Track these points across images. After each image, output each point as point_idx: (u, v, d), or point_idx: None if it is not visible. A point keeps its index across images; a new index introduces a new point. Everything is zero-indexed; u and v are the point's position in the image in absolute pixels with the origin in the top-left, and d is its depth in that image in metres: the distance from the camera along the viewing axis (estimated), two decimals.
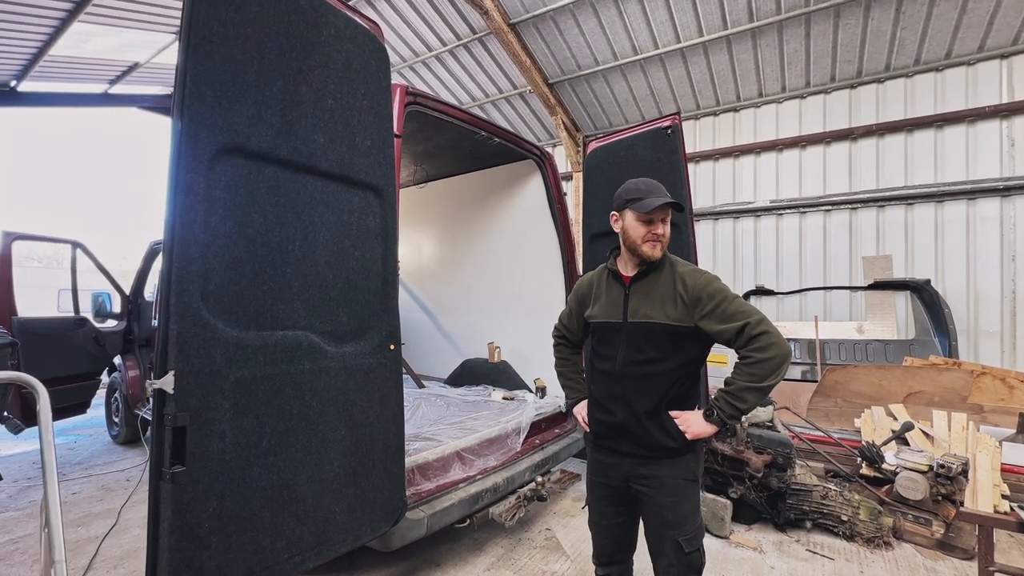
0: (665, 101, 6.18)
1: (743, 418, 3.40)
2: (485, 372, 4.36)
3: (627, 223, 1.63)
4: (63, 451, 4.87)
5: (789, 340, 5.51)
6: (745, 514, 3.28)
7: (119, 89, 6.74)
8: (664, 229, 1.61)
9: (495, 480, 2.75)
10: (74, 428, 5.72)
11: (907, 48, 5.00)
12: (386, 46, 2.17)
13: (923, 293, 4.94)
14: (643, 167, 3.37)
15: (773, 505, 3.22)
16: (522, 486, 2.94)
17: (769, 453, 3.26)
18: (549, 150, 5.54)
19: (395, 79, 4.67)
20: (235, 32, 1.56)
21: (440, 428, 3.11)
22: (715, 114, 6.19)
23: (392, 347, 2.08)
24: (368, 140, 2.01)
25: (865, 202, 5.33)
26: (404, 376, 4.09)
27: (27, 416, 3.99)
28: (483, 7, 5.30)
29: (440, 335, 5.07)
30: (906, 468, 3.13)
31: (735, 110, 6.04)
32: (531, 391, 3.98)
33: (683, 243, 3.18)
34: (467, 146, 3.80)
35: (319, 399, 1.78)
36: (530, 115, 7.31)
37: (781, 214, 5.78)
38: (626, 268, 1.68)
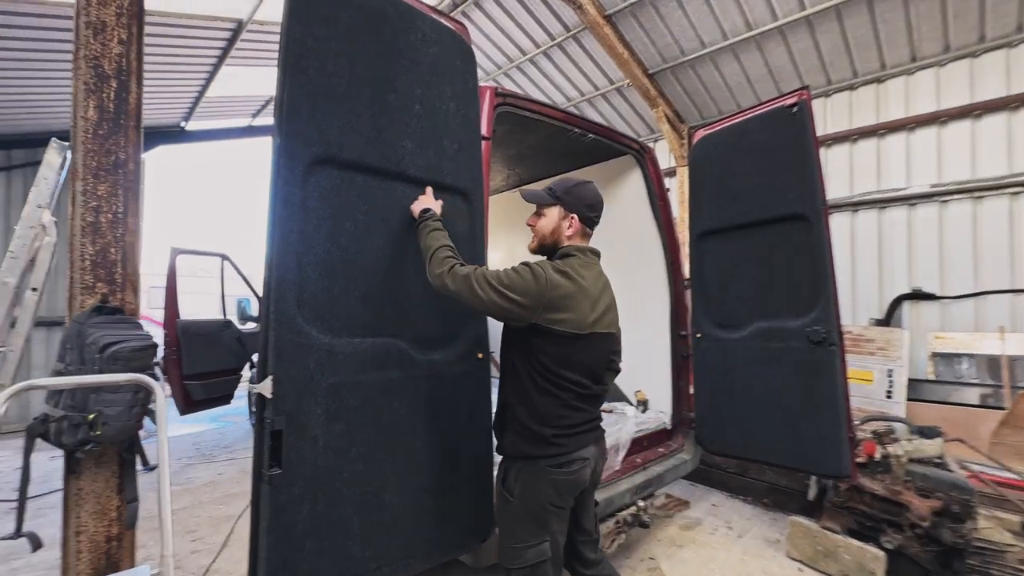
0: (786, 79, 5.43)
1: (902, 453, 2.78)
2: None
3: None
4: (214, 435, 5.67)
5: (961, 355, 4.48)
6: (906, 570, 2.66)
7: (259, 121, 7.78)
8: (534, 219, 1.80)
9: None
10: (224, 415, 6.64)
11: None
12: (477, 52, 2.12)
13: None
14: (761, 154, 2.93)
15: (946, 564, 2.56)
16: (621, 509, 2.70)
17: (939, 498, 2.61)
18: (650, 144, 5.17)
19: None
20: (327, 46, 1.60)
21: None
22: (851, 88, 5.28)
23: (480, 355, 2.00)
24: (455, 144, 1.97)
25: None
26: None
27: (188, 403, 4.68)
28: (577, 2, 5.13)
29: None
30: None
31: (879, 81, 5.10)
32: (631, 404, 3.69)
33: (813, 240, 2.70)
34: (560, 145, 3.64)
35: (407, 407, 1.75)
36: (628, 110, 6.95)
37: (946, 201, 4.73)
38: None
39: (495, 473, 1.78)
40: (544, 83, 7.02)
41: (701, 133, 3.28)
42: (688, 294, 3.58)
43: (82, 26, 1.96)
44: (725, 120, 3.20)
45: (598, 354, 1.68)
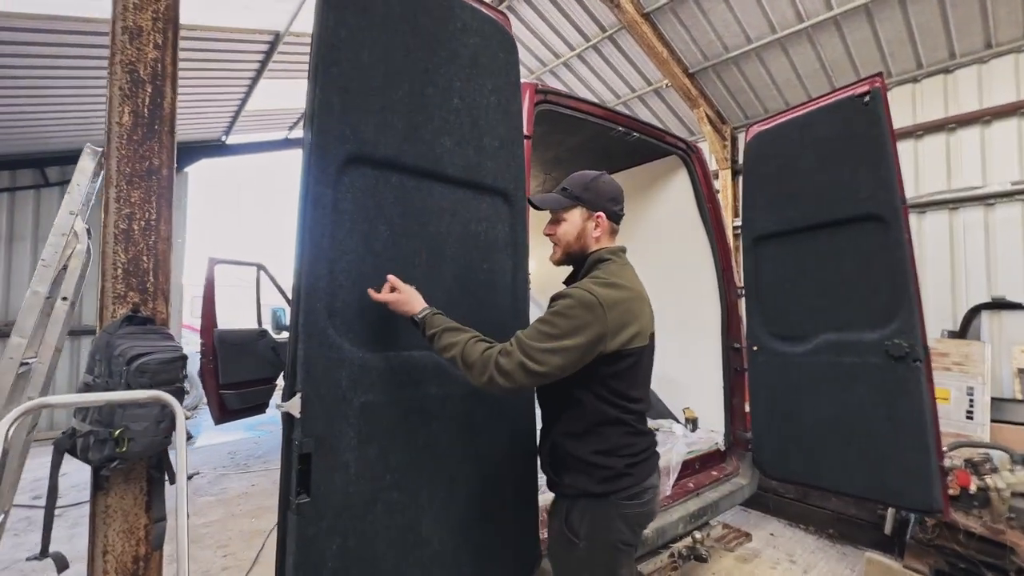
0: (841, 73, 5.07)
1: (1003, 486, 2.43)
2: None
3: None
4: (249, 444, 5.68)
5: None
6: None
7: (295, 134, 7.94)
8: (552, 228, 1.57)
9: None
10: (260, 424, 6.69)
11: None
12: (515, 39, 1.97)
13: None
14: (827, 150, 2.67)
15: None
16: (675, 540, 2.45)
17: None
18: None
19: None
20: (361, 36, 1.48)
21: None
22: (915, 80, 4.88)
23: None
24: (496, 140, 1.83)
25: None
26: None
27: (223, 412, 4.69)
28: (614, 0, 4.97)
29: None
30: None
31: (946, 71, 4.68)
32: (679, 422, 3.43)
33: (891, 242, 2.43)
34: (600, 147, 3.46)
35: (445, 428, 1.60)
36: (666, 112, 6.70)
37: None
38: None
39: (549, 509, 1.59)
40: (578, 87, 6.86)
41: (756, 129, 3.03)
42: (742, 303, 3.32)
43: (118, 31, 1.93)
44: (782, 114, 2.95)
45: (652, 359, 1.54)
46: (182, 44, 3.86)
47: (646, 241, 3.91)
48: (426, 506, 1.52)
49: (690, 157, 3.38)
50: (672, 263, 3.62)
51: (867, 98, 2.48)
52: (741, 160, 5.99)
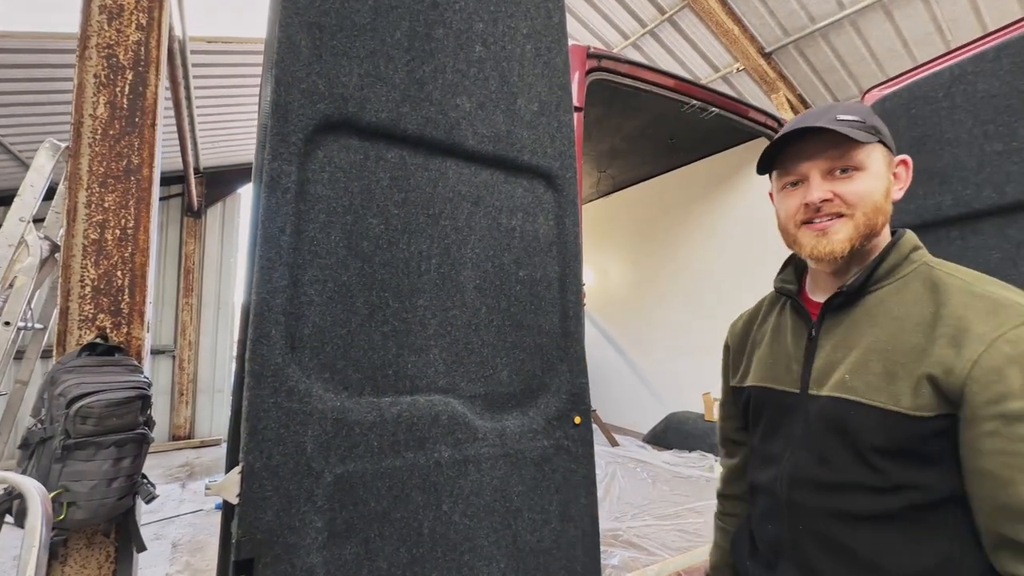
0: (966, 31, 4.17)
1: None
2: (700, 433, 3.25)
3: (776, 200, 0.86)
4: None
5: None
6: None
7: None
8: (829, 188, 0.75)
9: None
10: None
11: None
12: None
13: None
14: (996, 109, 1.96)
15: None
16: None
17: None
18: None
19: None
20: None
21: (648, 523, 2.17)
22: None
23: (578, 420, 1.31)
24: (534, 103, 1.35)
25: None
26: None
27: None
28: None
29: (635, 378, 4.13)
30: None
31: None
32: None
33: None
34: (667, 132, 2.91)
35: (466, 510, 1.11)
36: None
37: None
38: (815, 286, 0.87)
39: None
40: None
41: (876, 94, 2.34)
42: None
43: (95, 11, 1.68)
44: (912, 72, 2.25)
45: None
46: (234, 60, 3.66)
47: (727, 247, 3.26)
48: None
49: None
50: (761, 272, 2.94)
51: None
52: None
